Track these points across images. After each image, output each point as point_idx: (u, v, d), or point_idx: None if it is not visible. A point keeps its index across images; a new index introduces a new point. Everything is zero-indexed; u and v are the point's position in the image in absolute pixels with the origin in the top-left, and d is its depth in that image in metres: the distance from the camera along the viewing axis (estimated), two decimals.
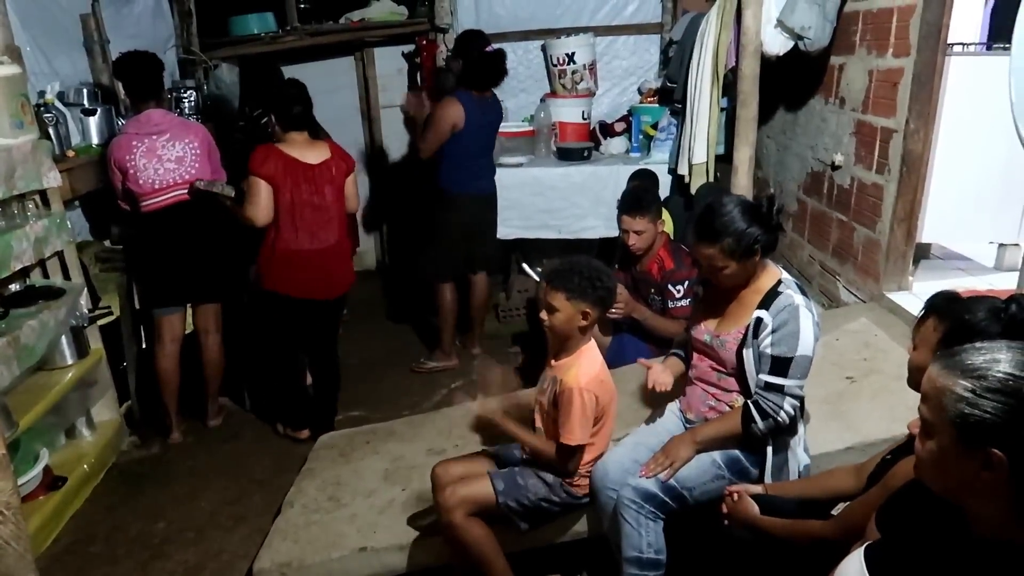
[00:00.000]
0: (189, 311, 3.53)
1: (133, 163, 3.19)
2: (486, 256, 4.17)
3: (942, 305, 1.59)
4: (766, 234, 2.00)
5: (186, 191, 3.27)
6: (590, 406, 2.09)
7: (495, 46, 3.93)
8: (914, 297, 3.06)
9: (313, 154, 3.15)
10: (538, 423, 2.27)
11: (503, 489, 2.18)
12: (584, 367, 2.12)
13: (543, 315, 2.13)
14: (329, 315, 3.41)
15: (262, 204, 3.06)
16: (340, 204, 3.26)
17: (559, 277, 2.10)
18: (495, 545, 2.17)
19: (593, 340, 2.20)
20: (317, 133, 3.45)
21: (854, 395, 2.56)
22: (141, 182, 3.20)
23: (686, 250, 3.27)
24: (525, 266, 4.60)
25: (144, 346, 3.70)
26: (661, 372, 2.28)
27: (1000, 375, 1.03)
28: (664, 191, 4.13)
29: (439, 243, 4.01)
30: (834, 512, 1.96)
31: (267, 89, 3.20)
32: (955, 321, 1.51)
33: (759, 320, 2.02)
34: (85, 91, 3.60)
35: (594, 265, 2.12)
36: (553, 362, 2.20)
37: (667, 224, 3.77)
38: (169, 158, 3.25)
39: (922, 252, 3.52)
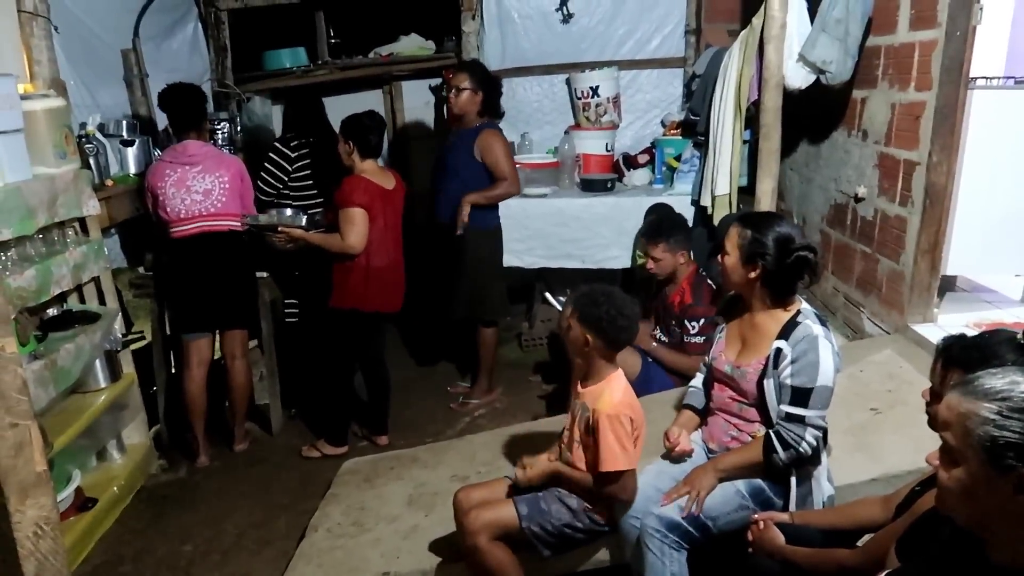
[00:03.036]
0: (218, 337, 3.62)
1: (163, 190, 3.32)
2: None
3: (962, 355, 1.56)
4: (774, 264, 2.05)
5: (211, 223, 3.37)
6: (627, 428, 2.10)
7: (512, 80, 4.06)
8: (939, 329, 3.05)
9: (387, 180, 3.42)
10: (568, 450, 2.26)
11: (527, 514, 2.19)
12: (615, 392, 2.14)
13: (562, 335, 2.20)
14: (385, 328, 3.67)
15: (363, 232, 3.28)
16: (401, 224, 3.55)
17: (579, 299, 2.14)
18: (518, 570, 2.18)
19: (620, 368, 2.22)
20: None
21: (878, 426, 2.55)
22: (169, 210, 3.32)
23: (711, 285, 3.29)
24: (548, 295, 4.64)
25: (174, 371, 3.77)
26: (681, 440, 2.29)
27: None
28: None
29: (499, 282, 4.00)
30: (860, 543, 1.95)
31: (349, 119, 3.40)
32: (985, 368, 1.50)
33: (779, 351, 2.04)
34: (124, 123, 3.74)
35: (618, 300, 2.10)
36: (580, 388, 2.22)
37: None
38: (197, 190, 3.35)
39: (948, 285, 3.50)
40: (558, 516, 2.20)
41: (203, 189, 3.37)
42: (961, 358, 1.56)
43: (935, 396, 1.66)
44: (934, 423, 1.66)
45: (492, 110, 3.87)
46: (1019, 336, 1.51)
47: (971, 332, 2.96)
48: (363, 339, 3.49)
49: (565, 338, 2.18)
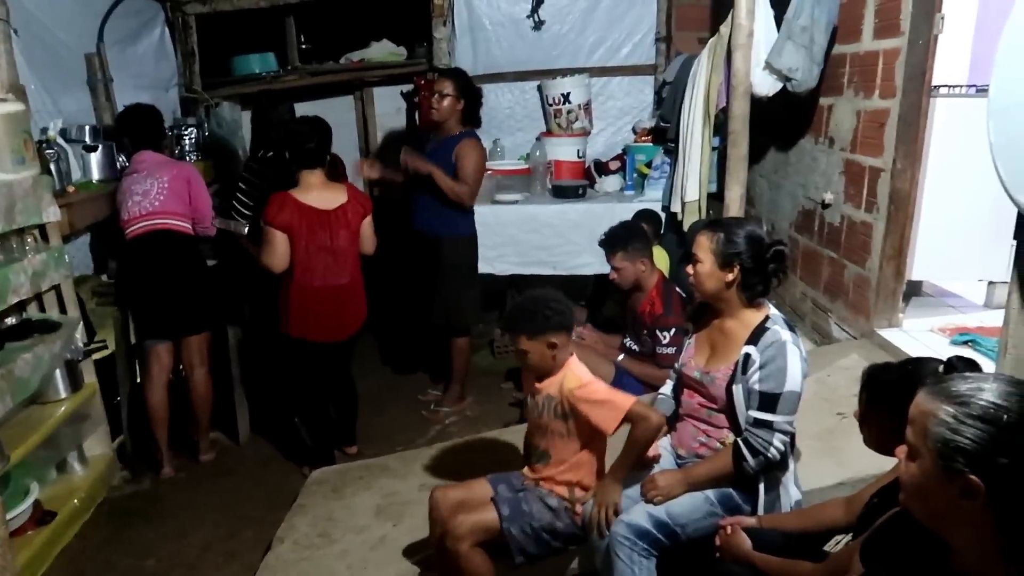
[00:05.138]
0: None
1: (117, 198, 3.40)
2: None
3: (888, 393, 1.60)
4: (751, 262, 2.06)
5: (152, 221, 3.34)
6: (603, 384, 2.15)
7: (484, 86, 4.02)
8: (904, 334, 3.08)
9: (329, 198, 3.19)
10: (543, 446, 2.24)
11: (508, 515, 2.16)
12: (576, 371, 2.15)
13: (520, 360, 2.18)
14: (346, 351, 3.49)
15: (278, 253, 3.12)
16: (355, 246, 3.30)
17: (512, 323, 2.17)
18: None
19: (575, 353, 2.22)
20: (336, 170, 3.51)
21: (845, 431, 2.56)
22: (120, 214, 3.38)
23: (680, 293, 3.30)
24: None
25: (138, 381, 3.70)
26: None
27: (983, 403, 1.05)
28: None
29: (473, 290, 3.96)
30: (827, 547, 1.96)
31: (280, 126, 3.28)
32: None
33: (747, 356, 2.04)
34: (87, 128, 3.67)
35: (538, 296, 2.16)
36: (538, 384, 2.22)
37: (663, 262, 3.80)
38: (137, 192, 3.36)
39: (914, 290, 3.55)
40: (539, 517, 2.18)
41: (142, 191, 3.37)
42: (886, 397, 1.61)
43: (863, 421, 1.69)
44: (869, 444, 1.71)
45: (472, 119, 3.85)
46: (940, 369, 1.53)
47: (937, 337, 3.01)
48: (301, 362, 3.33)
49: (524, 363, 2.18)
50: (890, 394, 1.60)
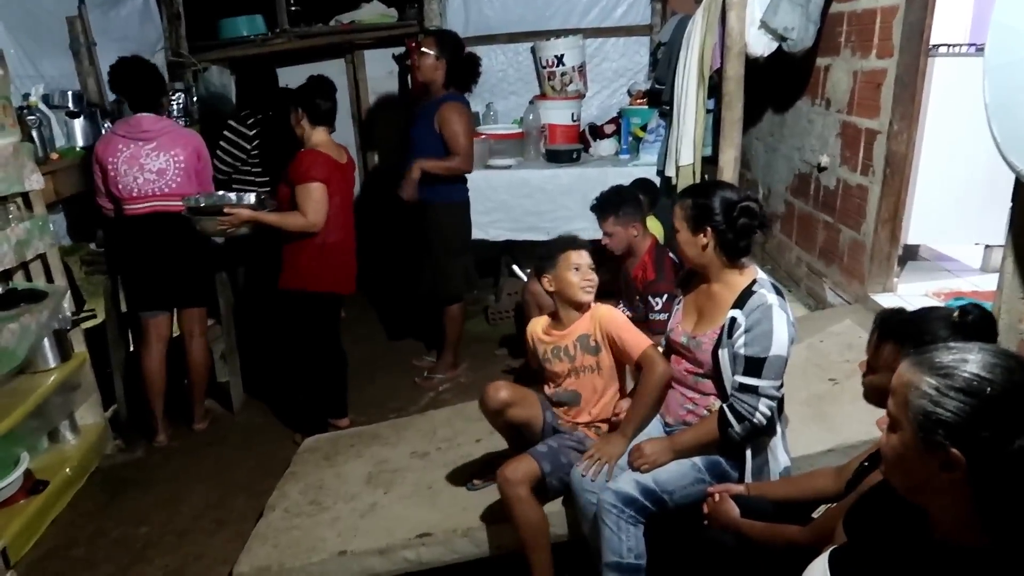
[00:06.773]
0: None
1: (115, 167, 3.20)
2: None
3: (898, 329, 1.57)
4: (721, 222, 2.04)
5: (165, 203, 3.25)
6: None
7: (476, 48, 3.93)
8: (899, 299, 3.05)
9: (340, 154, 3.26)
10: (572, 388, 2.34)
11: (550, 471, 2.22)
12: (604, 307, 2.33)
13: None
14: (340, 307, 3.53)
15: (324, 208, 3.11)
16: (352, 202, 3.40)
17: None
18: (547, 534, 2.22)
19: None
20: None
21: (836, 397, 2.55)
22: (121, 187, 3.21)
23: (673, 259, 3.26)
24: (516, 268, 4.60)
25: (132, 349, 3.69)
26: None
27: (966, 375, 1.02)
28: None
29: (462, 257, 3.89)
30: (815, 515, 1.96)
31: (299, 87, 3.22)
32: (919, 344, 1.49)
33: (733, 320, 2.02)
34: (70, 93, 3.60)
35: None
36: (562, 332, 2.34)
37: (656, 229, 3.76)
38: (151, 168, 3.24)
39: (911, 254, 3.51)
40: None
41: (157, 168, 3.25)
42: (895, 332, 1.56)
43: (869, 368, 1.66)
44: (869, 395, 1.68)
45: (459, 82, 3.76)
46: (955, 315, 1.50)
47: (931, 301, 3.00)
48: (318, 320, 3.31)
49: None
50: (900, 331, 1.56)
